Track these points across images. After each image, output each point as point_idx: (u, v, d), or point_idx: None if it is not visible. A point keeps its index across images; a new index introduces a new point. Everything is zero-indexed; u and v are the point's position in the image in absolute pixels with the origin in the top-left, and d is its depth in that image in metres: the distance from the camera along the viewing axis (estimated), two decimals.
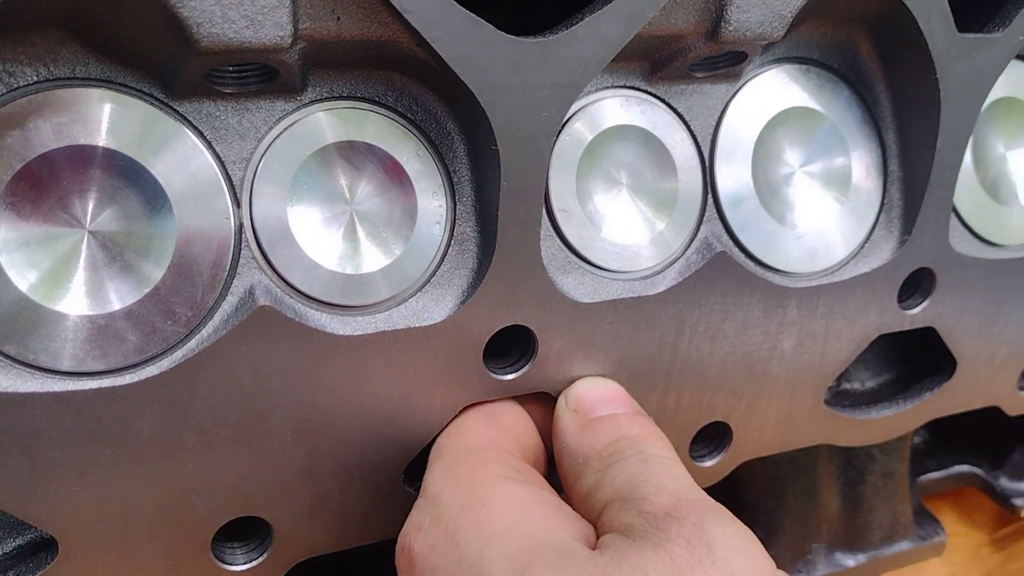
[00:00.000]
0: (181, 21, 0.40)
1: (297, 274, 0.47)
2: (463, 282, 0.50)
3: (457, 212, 0.50)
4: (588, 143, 0.52)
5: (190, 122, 0.45)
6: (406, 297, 0.50)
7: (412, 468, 0.53)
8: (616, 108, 0.53)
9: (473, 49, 0.45)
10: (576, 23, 0.47)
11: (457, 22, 0.44)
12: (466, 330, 0.50)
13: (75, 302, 0.44)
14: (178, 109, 0.45)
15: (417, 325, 0.49)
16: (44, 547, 0.48)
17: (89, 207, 0.44)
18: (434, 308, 0.50)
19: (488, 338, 0.51)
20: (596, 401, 0.51)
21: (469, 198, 0.50)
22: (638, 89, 0.54)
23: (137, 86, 0.44)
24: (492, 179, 0.49)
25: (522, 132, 0.47)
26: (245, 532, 0.51)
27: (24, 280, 0.42)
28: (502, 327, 0.51)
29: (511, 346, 0.53)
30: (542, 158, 0.48)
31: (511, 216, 0.49)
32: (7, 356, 0.43)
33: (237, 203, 0.46)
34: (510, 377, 0.52)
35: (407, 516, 0.48)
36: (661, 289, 0.54)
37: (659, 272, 0.54)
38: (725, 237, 0.56)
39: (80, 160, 0.43)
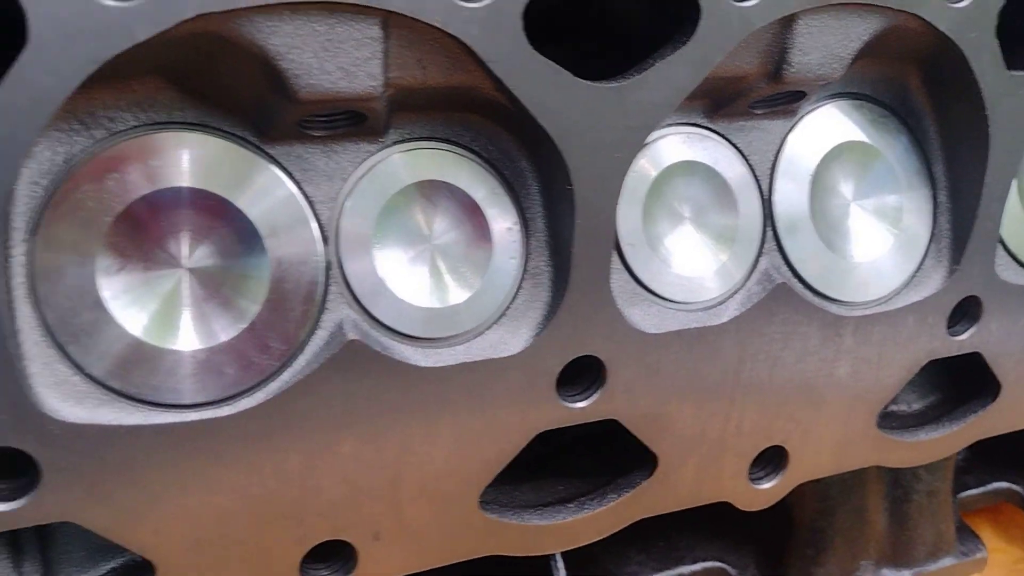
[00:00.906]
0: (280, 73, 0.43)
1: (382, 309, 0.49)
2: (537, 314, 0.52)
3: (530, 247, 0.52)
4: (653, 179, 0.54)
5: (280, 164, 0.48)
6: (483, 329, 0.52)
7: (487, 493, 0.55)
8: (679, 145, 0.55)
9: (551, 94, 0.47)
10: (647, 68, 0.49)
11: (537, 69, 0.46)
12: (540, 361, 0.52)
13: (177, 339, 0.46)
14: (269, 152, 0.47)
15: (495, 356, 0.51)
16: (139, 570, 0.50)
17: (187, 246, 0.46)
18: (510, 340, 0.52)
19: (561, 368, 0.53)
20: None
21: (542, 233, 0.52)
22: (700, 126, 0.56)
23: (231, 130, 0.47)
24: (565, 215, 0.51)
25: (595, 172, 0.49)
26: (330, 554, 0.53)
27: (132, 320, 0.45)
28: (574, 357, 0.53)
29: (581, 374, 0.55)
30: (613, 196, 0.50)
31: (584, 251, 0.51)
32: (112, 390, 0.45)
33: (325, 241, 0.49)
34: (581, 405, 0.54)
35: (481, 541, 0.50)
36: (724, 319, 0.56)
37: (722, 303, 0.56)
38: (784, 268, 0.58)
39: (177, 201, 0.45)
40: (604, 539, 0.63)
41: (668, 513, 0.64)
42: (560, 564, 0.64)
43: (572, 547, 0.59)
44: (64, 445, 0.44)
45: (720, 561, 0.71)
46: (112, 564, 0.52)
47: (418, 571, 0.55)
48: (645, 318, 0.54)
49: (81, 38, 0.39)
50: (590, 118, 0.48)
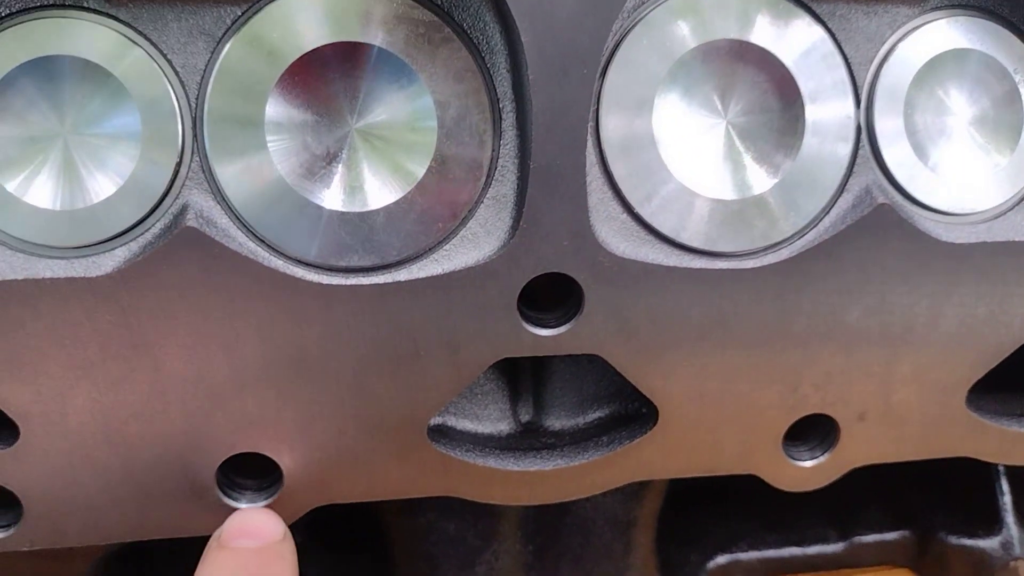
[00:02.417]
0: None
1: (909, 176, 0.48)
2: None
3: None
4: None
5: (824, 22, 0.47)
6: (1006, 210, 0.49)
7: (972, 388, 0.52)
8: None
9: None
10: None
11: None
12: None
13: (716, 188, 0.46)
14: (814, 9, 0.47)
15: (1017, 239, 0.49)
16: (631, 419, 0.52)
17: (729, 99, 0.46)
18: None
19: None
20: (236, 532, 0.47)
21: None
22: None
23: None
24: None
25: None
26: (810, 430, 0.53)
27: (676, 164, 0.46)
28: None
29: None
30: None
31: None
32: (653, 231, 0.47)
33: (858, 103, 0.48)
34: None
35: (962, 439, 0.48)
36: None
37: None
38: None
39: (728, 53, 0.46)
40: None
41: None
42: (1006, 488, 0.61)
43: None
44: (608, 278, 0.46)
45: None
46: (599, 414, 0.54)
47: (893, 462, 0.54)
48: None
49: None
50: None
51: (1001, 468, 0.62)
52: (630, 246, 0.47)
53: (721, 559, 0.61)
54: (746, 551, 0.61)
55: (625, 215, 0.47)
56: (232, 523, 0.47)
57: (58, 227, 0.42)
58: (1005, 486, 0.61)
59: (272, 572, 0.45)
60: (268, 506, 0.48)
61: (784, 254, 0.48)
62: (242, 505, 0.48)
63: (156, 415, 0.45)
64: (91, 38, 0.42)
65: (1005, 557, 0.61)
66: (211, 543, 0.47)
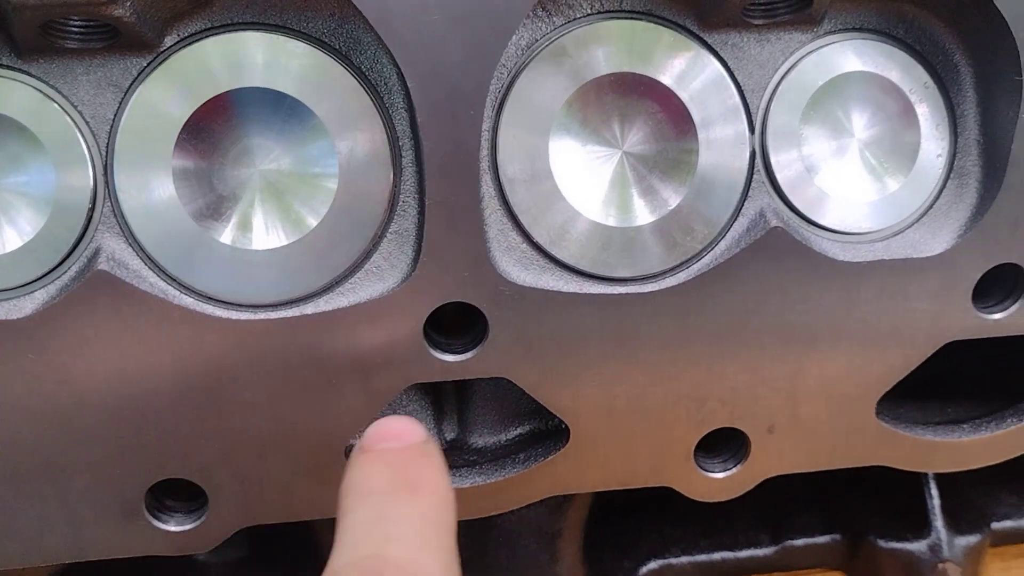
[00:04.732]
0: None
1: (803, 199, 0.49)
2: (961, 216, 0.50)
3: (958, 145, 0.50)
4: None
5: (716, 52, 0.49)
6: (904, 228, 0.50)
7: (887, 398, 0.54)
8: None
9: None
10: None
11: None
12: (960, 265, 0.50)
13: (612, 216, 0.48)
14: (707, 40, 0.48)
15: (915, 256, 0.50)
16: (550, 436, 0.54)
17: (624, 130, 0.48)
18: (931, 241, 0.50)
19: (982, 275, 0.50)
20: (376, 437, 0.45)
21: (972, 131, 0.50)
22: None
23: (673, 18, 0.48)
24: (1004, 112, 0.48)
25: None
26: (722, 444, 0.54)
27: (575, 194, 0.48)
28: (997, 264, 0.50)
29: (997, 285, 0.52)
30: None
31: None
32: (554, 259, 0.48)
33: (751, 130, 0.49)
34: (996, 317, 0.51)
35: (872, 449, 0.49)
36: None
37: None
38: None
39: (622, 86, 0.48)
40: (972, 475, 0.60)
41: None
42: (935, 492, 0.62)
43: (963, 468, 0.56)
44: (511, 306, 0.48)
45: None
46: (519, 431, 0.56)
47: (806, 471, 0.55)
48: None
49: None
50: None
51: (929, 473, 0.64)
52: (531, 274, 0.49)
53: (653, 564, 0.63)
54: (679, 556, 0.63)
55: (525, 244, 0.49)
56: (371, 431, 0.46)
57: None
58: (934, 490, 0.62)
59: (419, 467, 0.44)
60: (195, 528, 0.50)
61: (681, 277, 0.49)
62: (171, 528, 0.51)
63: (83, 445, 0.48)
64: (3, 92, 0.45)
65: (933, 559, 0.62)
66: (353, 452, 0.46)
